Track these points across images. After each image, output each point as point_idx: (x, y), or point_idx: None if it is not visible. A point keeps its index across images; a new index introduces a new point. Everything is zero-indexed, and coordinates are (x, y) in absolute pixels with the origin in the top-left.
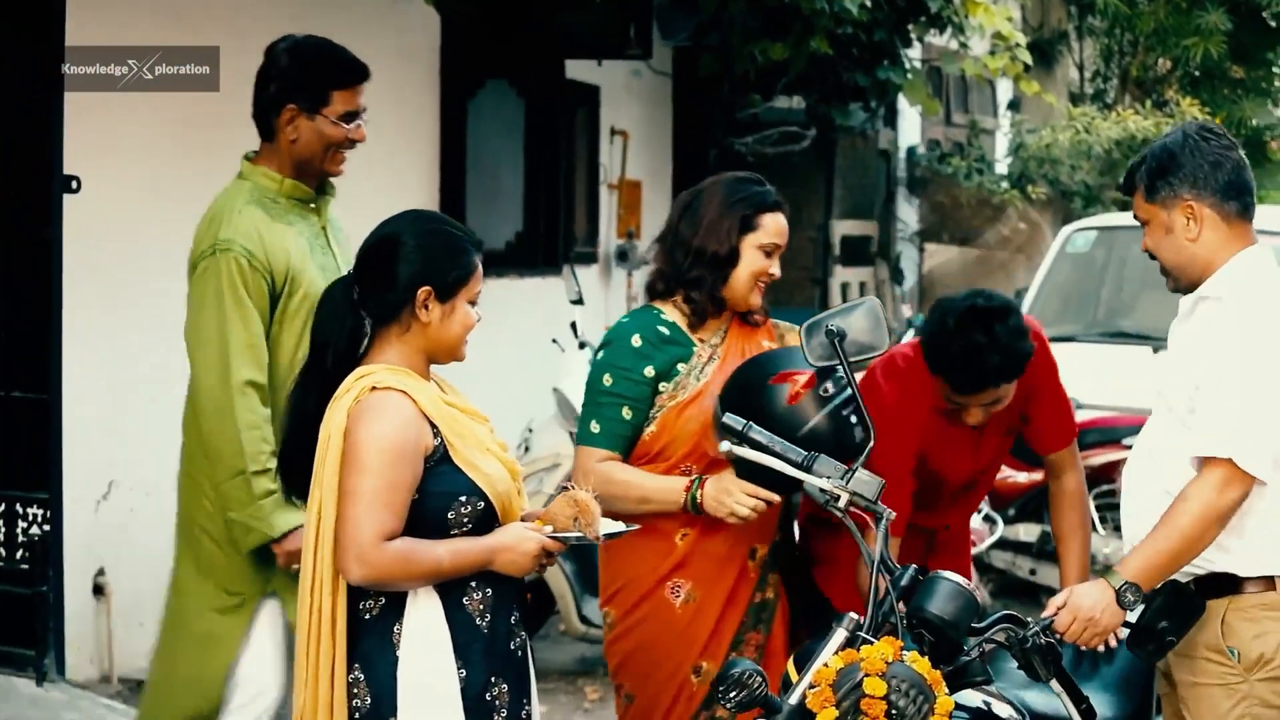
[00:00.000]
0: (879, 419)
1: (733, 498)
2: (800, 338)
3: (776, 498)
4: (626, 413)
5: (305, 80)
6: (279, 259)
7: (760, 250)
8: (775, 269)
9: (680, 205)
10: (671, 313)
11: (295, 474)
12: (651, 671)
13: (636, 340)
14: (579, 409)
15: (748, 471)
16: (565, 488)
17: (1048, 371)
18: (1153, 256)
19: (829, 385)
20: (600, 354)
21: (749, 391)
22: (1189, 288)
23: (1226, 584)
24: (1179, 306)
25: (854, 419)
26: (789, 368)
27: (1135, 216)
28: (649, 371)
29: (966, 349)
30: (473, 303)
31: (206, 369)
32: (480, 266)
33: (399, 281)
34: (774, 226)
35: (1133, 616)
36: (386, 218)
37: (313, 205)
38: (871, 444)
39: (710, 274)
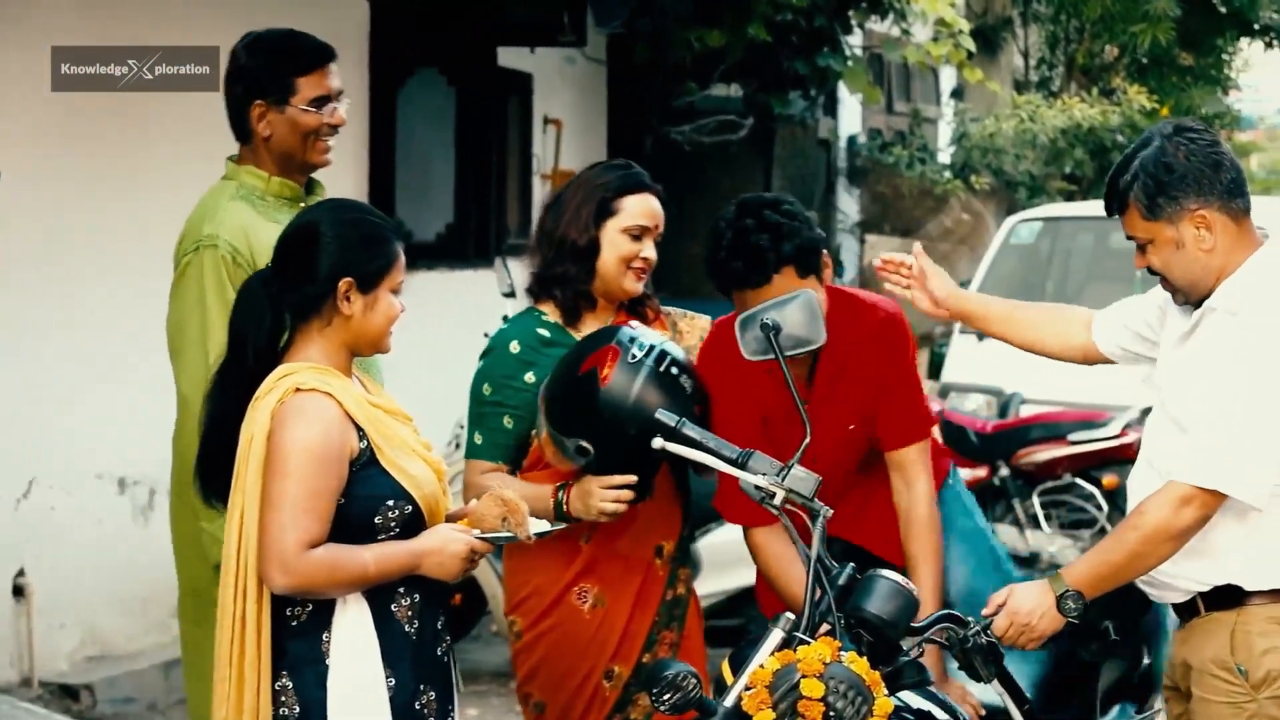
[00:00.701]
0: (719, 379)
1: (594, 498)
2: (735, 331)
3: (632, 478)
4: (508, 421)
5: (267, 73)
6: (264, 257)
7: (625, 234)
8: (648, 252)
9: (548, 201)
10: (553, 313)
11: (215, 476)
12: (562, 679)
13: (515, 346)
14: None
15: (601, 464)
16: (492, 488)
17: (900, 362)
18: (1152, 272)
19: (634, 351)
20: (481, 363)
21: (564, 396)
22: (1200, 301)
23: (1233, 597)
24: (1171, 323)
25: (675, 370)
26: (591, 352)
27: (1130, 237)
28: (529, 378)
29: (736, 234)
30: (395, 292)
31: (187, 374)
32: (402, 255)
33: (319, 273)
34: (638, 208)
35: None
36: (304, 208)
37: (302, 204)
38: (703, 393)
39: (574, 267)
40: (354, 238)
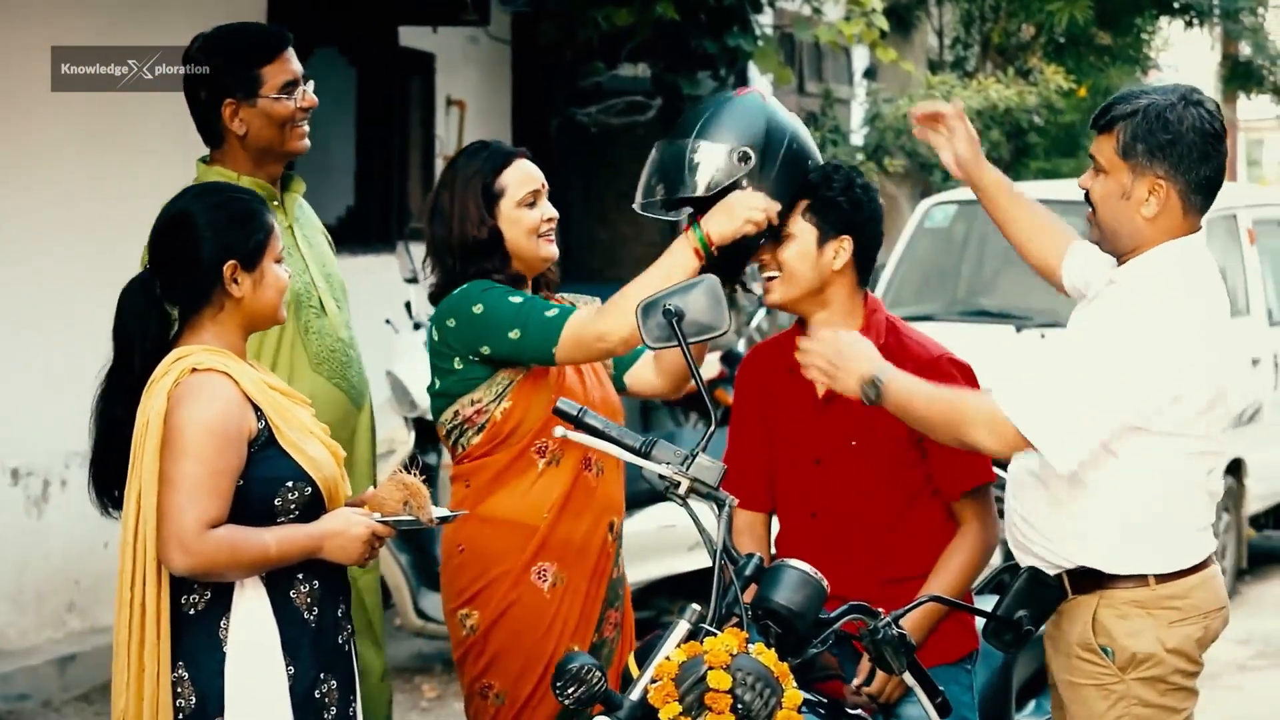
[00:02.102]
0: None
1: (740, 206)
2: (636, 319)
3: (775, 204)
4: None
5: (230, 70)
6: None
7: (521, 206)
8: (549, 212)
9: (427, 213)
10: None
11: (110, 481)
12: (527, 664)
13: (488, 286)
14: (414, 393)
15: (758, 177)
16: (396, 470)
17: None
18: (1087, 199)
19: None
20: (482, 302)
21: (724, 108)
22: (1110, 251)
23: (1095, 579)
24: (1089, 289)
25: None
26: (738, 87)
27: (1091, 156)
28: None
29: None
30: (279, 261)
31: None
32: (277, 224)
33: (202, 263)
34: (521, 176)
35: (988, 605)
36: (167, 201)
37: (276, 202)
38: None
39: (489, 262)
40: (226, 219)
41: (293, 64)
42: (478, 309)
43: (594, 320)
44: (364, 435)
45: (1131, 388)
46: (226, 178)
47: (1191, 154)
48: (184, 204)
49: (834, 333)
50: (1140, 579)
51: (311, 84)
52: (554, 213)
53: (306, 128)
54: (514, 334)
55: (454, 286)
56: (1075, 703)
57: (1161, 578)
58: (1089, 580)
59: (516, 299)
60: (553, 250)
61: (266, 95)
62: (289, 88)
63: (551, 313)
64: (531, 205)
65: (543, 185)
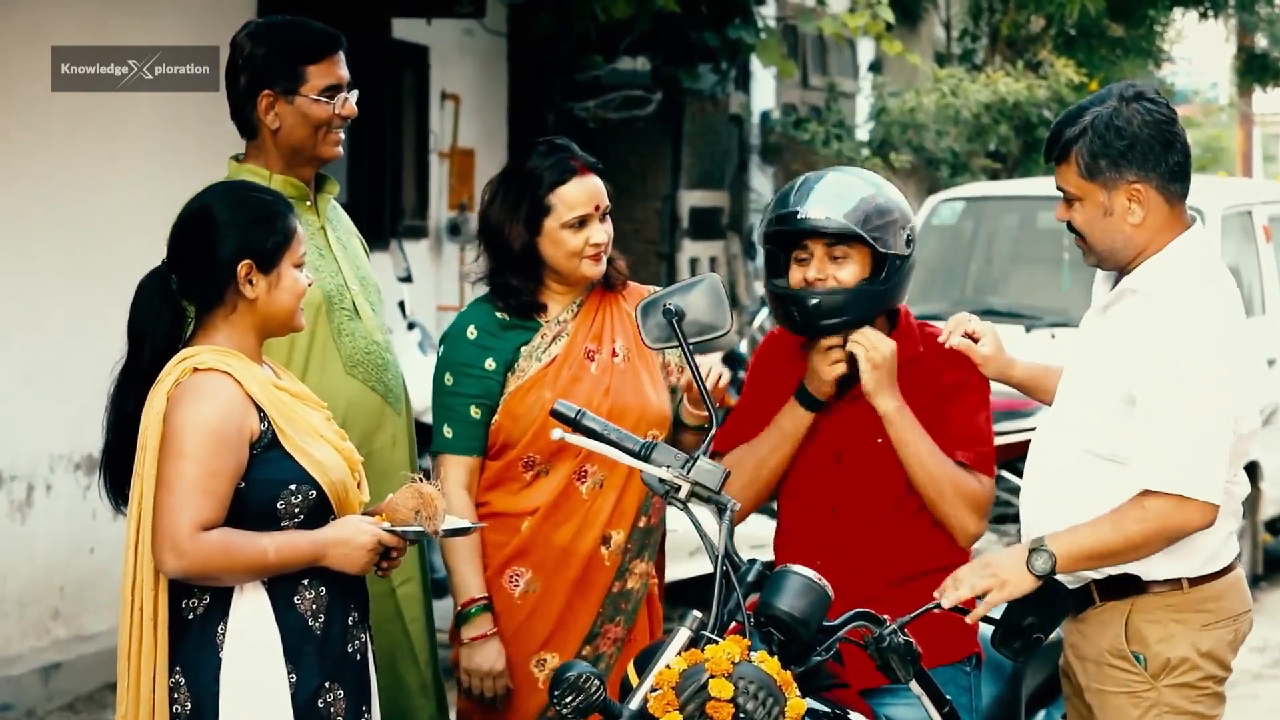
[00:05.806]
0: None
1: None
2: (636, 319)
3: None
4: (475, 411)
5: (274, 62)
6: None
7: (566, 229)
8: (597, 237)
9: (487, 193)
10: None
11: (123, 479)
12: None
13: (472, 332)
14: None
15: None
16: (412, 479)
17: (965, 380)
18: (1071, 228)
19: None
20: (440, 349)
21: None
22: (1114, 268)
23: (1129, 586)
24: (1096, 294)
25: None
26: None
27: (1060, 188)
28: (490, 364)
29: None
30: (299, 266)
31: None
32: (300, 228)
33: (217, 260)
34: (575, 197)
35: (997, 613)
36: (191, 197)
37: (309, 203)
38: None
39: (516, 279)
40: (246, 218)
41: (340, 69)
42: (439, 351)
43: (442, 476)
44: (402, 440)
45: (1232, 403)
46: (258, 175)
47: (1154, 148)
48: (206, 199)
49: (976, 560)
50: (1174, 583)
51: (355, 93)
52: (604, 237)
53: (341, 135)
54: (432, 403)
55: (493, 289)
56: (1105, 711)
57: (1194, 581)
58: (1121, 587)
59: (450, 379)
60: (596, 271)
61: (306, 95)
62: (331, 91)
63: (449, 432)
64: (580, 227)
65: (598, 206)
